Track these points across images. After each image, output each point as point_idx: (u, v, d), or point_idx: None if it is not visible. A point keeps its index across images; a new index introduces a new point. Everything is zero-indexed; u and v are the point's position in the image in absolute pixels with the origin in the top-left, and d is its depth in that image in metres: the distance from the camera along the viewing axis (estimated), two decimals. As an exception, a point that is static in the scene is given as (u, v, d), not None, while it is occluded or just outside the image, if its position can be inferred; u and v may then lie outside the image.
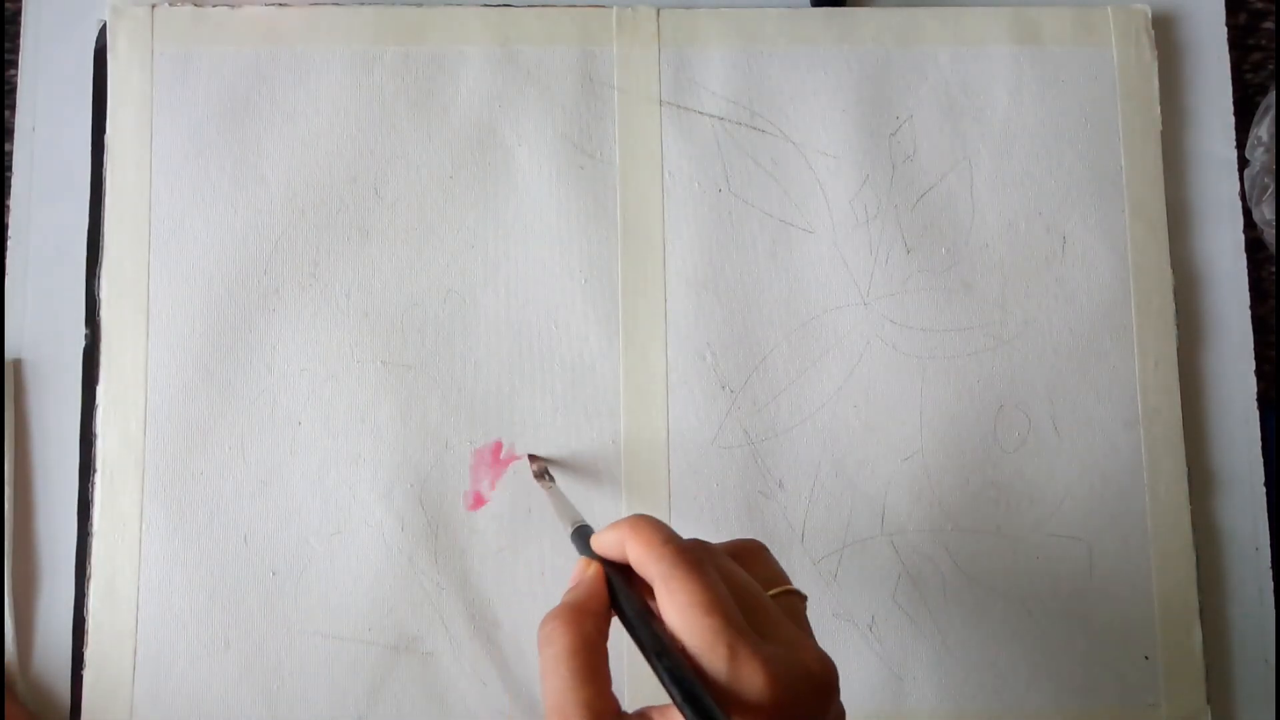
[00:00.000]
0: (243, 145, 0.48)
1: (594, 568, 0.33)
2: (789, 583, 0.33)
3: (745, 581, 0.31)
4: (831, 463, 0.47)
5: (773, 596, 0.32)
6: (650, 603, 0.31)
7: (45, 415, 0.47)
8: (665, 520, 0.33)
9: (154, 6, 0.48)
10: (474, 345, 0.47)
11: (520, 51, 0.49)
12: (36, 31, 0.49)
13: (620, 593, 0.32)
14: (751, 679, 0.28)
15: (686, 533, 0.47)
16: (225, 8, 0.49)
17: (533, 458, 0.46)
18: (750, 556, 0.34)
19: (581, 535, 0.36)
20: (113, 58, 0.48)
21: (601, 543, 0.33)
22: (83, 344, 0.47)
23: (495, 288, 0.48)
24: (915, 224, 0.49)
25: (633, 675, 0.44)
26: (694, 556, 0.30)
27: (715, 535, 0.46)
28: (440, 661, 0.45)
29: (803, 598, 0.33)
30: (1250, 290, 0.50)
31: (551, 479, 0.44)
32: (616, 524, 0.32)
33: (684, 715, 0.28)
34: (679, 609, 0.29)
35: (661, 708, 0.30)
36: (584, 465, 0.47)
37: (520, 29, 0.49)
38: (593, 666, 0.30)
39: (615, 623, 0.32)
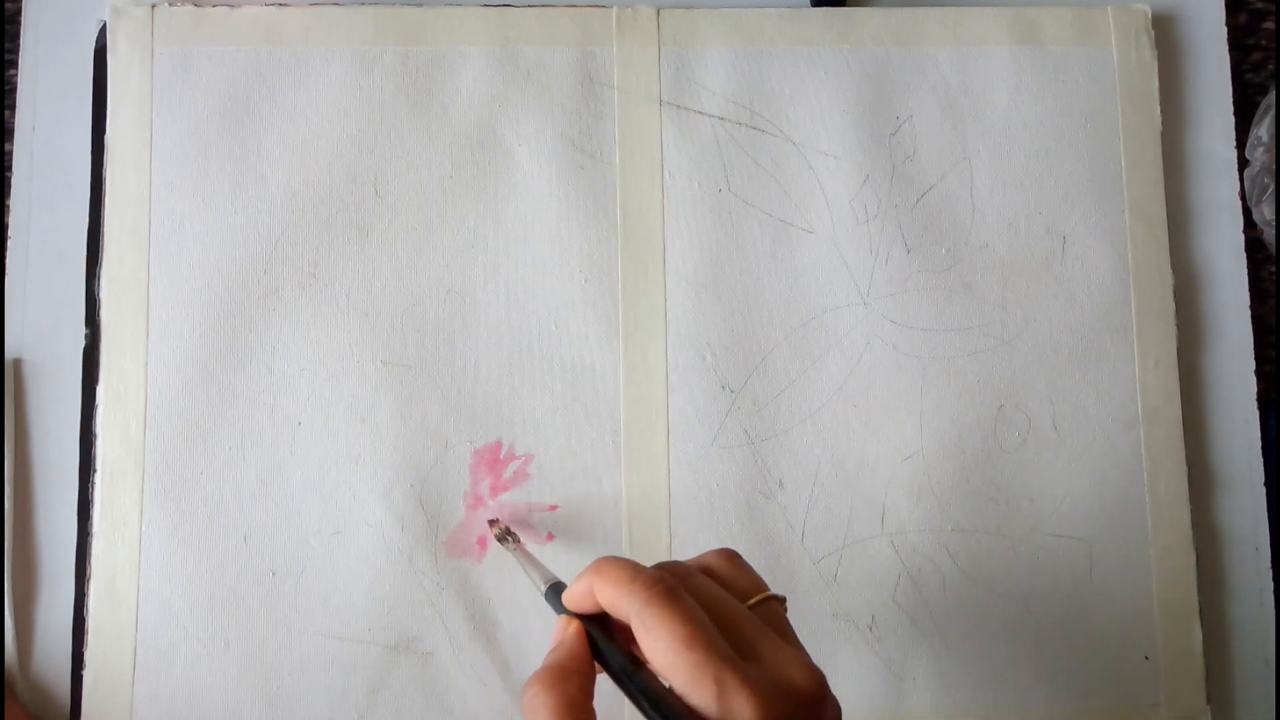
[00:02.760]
0: (243, 145, 0.48)
1: (573, 625, 0.32)
2: (766, 588, 0.33)
3: (723, 601, 0.31)
4: (831, 463, 0.47)
5: (752, 606, 0.32)
6: (634, 647, 0.31)
7: (45, 415, 0.47)
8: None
9: (154, 6, 0.48)
10: (474, 345, 0.47)
11: (520, 51, 0.49)
12: (36, 31, 0.49)
13: (602, 645, 0.32)
14: (741, 709, 0.28)
15: (687, 532, 0.47)
16: (225, 8, 0.49)
17: (493, 522, 0.45)
18: (724, 567, 0.33)
19: (556, 592, 0.35)
20: (113, 58, 0.48)
21: (573, 596, 0.33)
22: (83, 344, 0.47)
23: (495, 288, 0.48)
24: (915, 224, 0.49)
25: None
26: (665, 588, 0.30)
27: (715, 535, 0.46)
28: (440, 661, 0.45)
29: (781, 600, 0.33)
30: (1250, 290, 0.50)
31: (515, 539, 0.44)
32: (583, 573, 0.32)
33: None
34: (659, 647, 0.29)
35: None
36: (584, 465, 0.47)
37: (520, 29, 0.49)
38: None
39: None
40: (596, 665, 0.32)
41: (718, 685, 0.28)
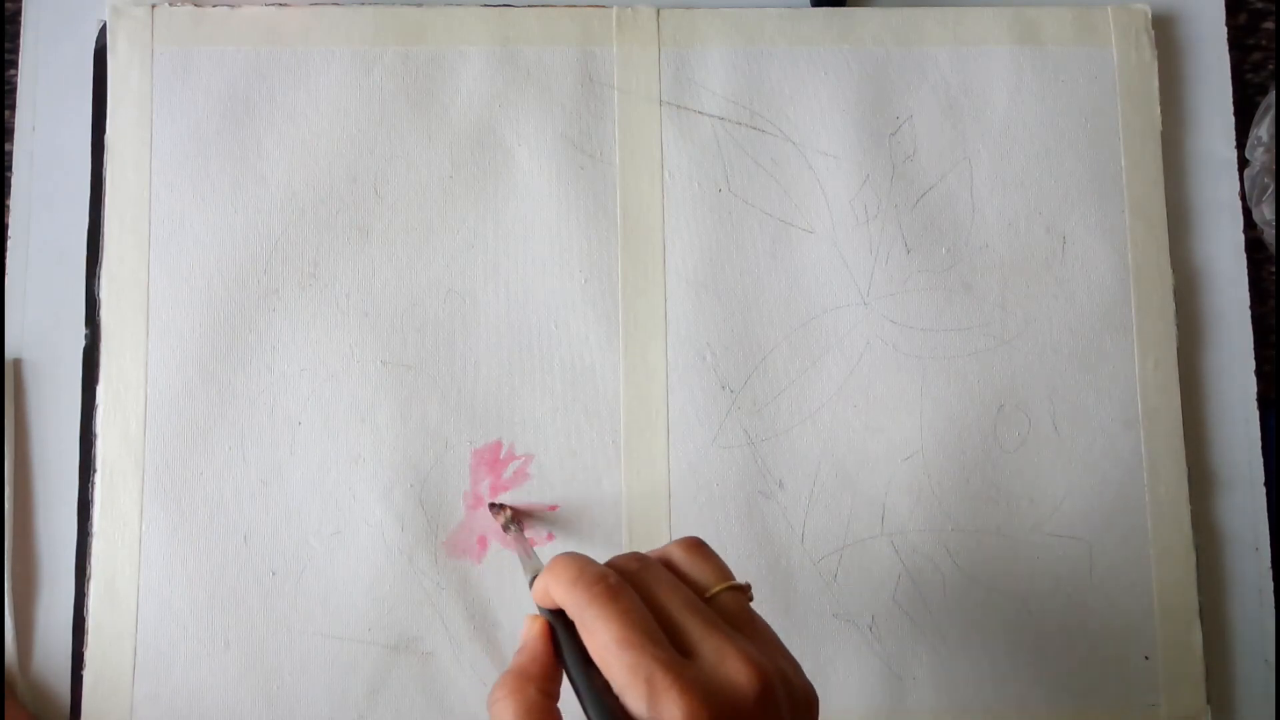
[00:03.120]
0: (243, 145, 0.48)
1: (537, 625, 0.33)
2: (730, 577, 0.33)
3: (673, 595, 0.31)
4: (831, 463, 0.47)
5: (714, 595, 0.32)
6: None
7: (45, 415, 0.47)
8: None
9: (154, 6, 0.48)
10: (474, 345, 0.47)
11: (520, 51, 0.49)
12: (36, 31, 0.49)
13: (563, 645, 0.32)
14: (670, 711, 0.28)
15: (686, 532, 0.47)
16: (225, 8, 0.49)
17: (497, 508, 0.45)
18: (684, 558, 0.34)
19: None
20: (113, 58, 0.48)
21: (537, 592, 0.33)
22: (83, 344, 0.47)
23: (495, 288, 0.48)
24: (915, 224, 0.49)
25: None
26: (605, 587, 0.30)
27: (715, 535, 0.46)
28: (440, 661, 0.45)
29: (744, 589, 0.33)
30: (1250, 290, 0.50)
31: (520, 527, 0.44)
32: (544, 569, 0.32)
33: None
34: (597, 647, 0.30)
35: None
36: (584, 465, 0.47)
37: (520, 29, 0.49)
38: None
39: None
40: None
41: (648, 686, 0.28)
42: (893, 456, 0.47)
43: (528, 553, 0.40)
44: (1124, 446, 0.48)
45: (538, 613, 0.33)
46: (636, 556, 0.33)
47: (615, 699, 0.29)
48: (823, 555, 0.47)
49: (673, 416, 0.47)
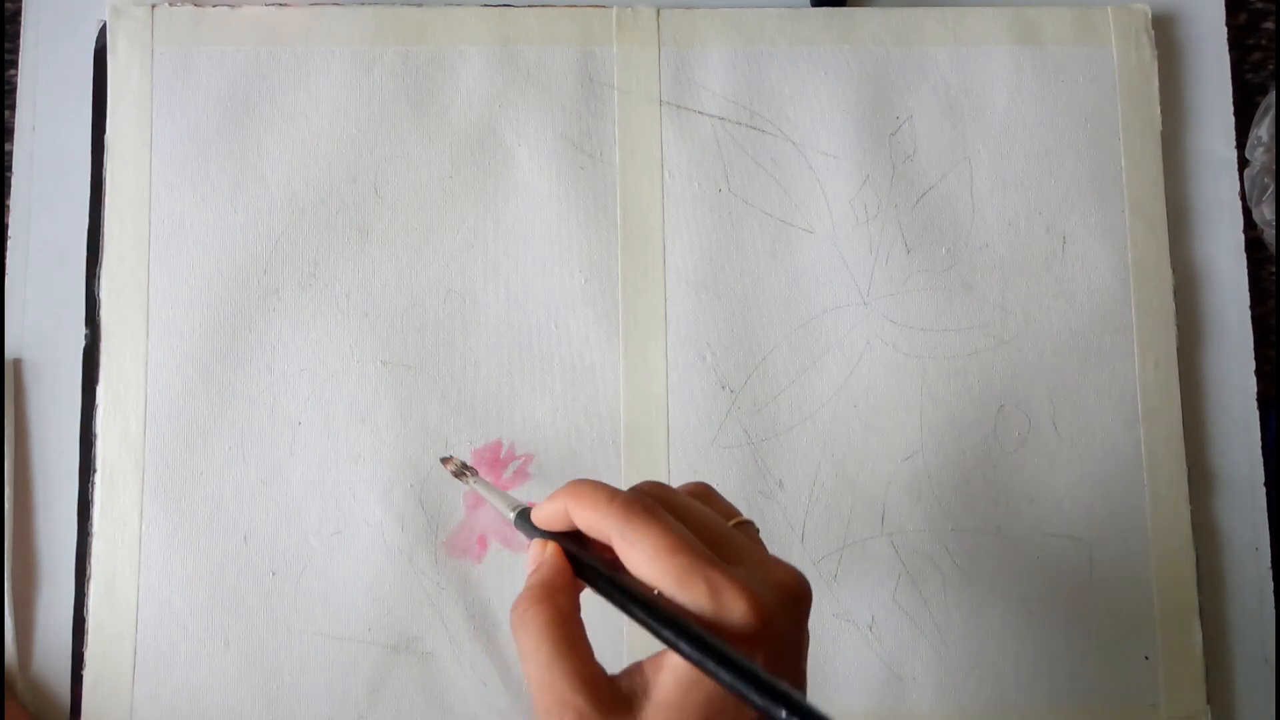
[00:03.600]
0: (243, 145, 0.48)
1: (550, 545, 0.33)
2: (740, 515, 0.34)
3: (703, 514, 0.32)
4: (831, 463, 0.47)
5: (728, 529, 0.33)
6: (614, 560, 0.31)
7: (45, 415, 0.47)
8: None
9: (154, 6, 0.48)
10: (474, 345, 0.47)
11: (520, 51, 0.49)
12: (36, 31, 0.49)
13: (583, 560, 0.32)
14: (734, 604, 0.29)
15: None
16: (225, 8, 0.49)
17: (446, 460, 0.45)
18: (700, 497, 0.34)
19: (525, 517, 0.35)
20: (113, 58, 0.48)
21: (545, 515, 0.33)
22: (83, 344, 0.47)
23: (495, 288, 0.48)
24: (915, 224, 0.49)
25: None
26: (643, 504, 0.30)
27: (715, 535, 0.46)
28: (440, 661, 0.45)
29: (755, 526, 0.34)
30: (1250, 290, 0.50)
31: (474, 472, 0.43)
32: (554, 495, 0.32)
33: (681, 653, 0.28)
34: (645, 558, 0.29)
35: (650, 658, 0.30)
36: (584, 465, 0.47)
37: (520, 29, 0.49)
38: (572, 638, 0.30)
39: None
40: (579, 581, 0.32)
41: (708, 584, 0.29)
42: (893, 456, 0.47)
43: (496, 492, 0.40)
44: (1124, 446, 0.48)
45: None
46: (656, 482, 0.33)
47: (668, 600, 0.29)
48: (822, 555, 0.47)
49: (673, 416, 0.47)
